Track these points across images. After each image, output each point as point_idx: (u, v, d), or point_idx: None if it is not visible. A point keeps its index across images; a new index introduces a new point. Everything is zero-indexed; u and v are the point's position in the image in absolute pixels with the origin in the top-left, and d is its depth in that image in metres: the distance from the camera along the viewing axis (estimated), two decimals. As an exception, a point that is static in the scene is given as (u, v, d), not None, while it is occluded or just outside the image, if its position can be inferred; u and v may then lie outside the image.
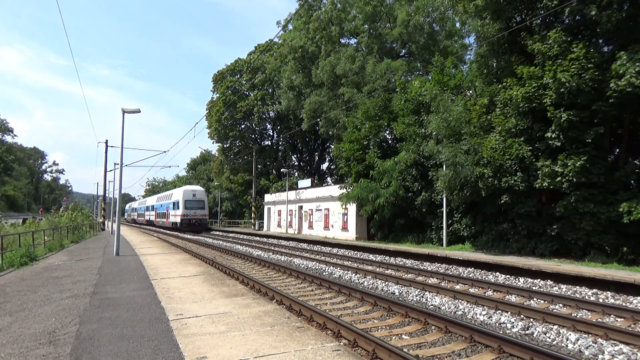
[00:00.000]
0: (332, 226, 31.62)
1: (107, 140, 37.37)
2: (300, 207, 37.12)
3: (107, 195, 43.77)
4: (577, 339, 6.24)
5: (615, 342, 6.24)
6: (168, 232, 42.64)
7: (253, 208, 46.65)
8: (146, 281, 9.43)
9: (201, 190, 45.45)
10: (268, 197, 45.49)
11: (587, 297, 9.70)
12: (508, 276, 12.70)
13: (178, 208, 42.61)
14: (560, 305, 8.83)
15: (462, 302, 8.86)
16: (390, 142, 27.55)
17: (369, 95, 29.42)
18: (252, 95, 51.85)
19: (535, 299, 9.42)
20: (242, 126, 54.86)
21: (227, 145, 56.02)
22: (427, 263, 16.17)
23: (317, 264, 15.60)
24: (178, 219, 42.35)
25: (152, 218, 54.17)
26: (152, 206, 55.28)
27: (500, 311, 8.08)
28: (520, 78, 15.66)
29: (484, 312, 7.91)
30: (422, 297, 9.49)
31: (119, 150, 17.37)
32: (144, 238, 29.25)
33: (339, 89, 34.52)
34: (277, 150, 56.42)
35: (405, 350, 5.56)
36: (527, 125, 15.92)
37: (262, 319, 5.81)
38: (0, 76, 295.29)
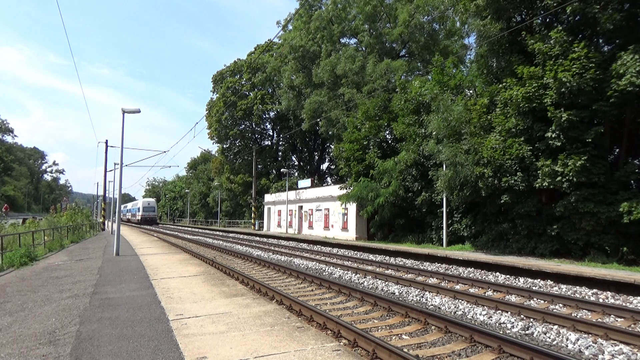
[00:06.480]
0: (332, 226, 31.60)
1: (107, 140, 37.60)
2: (300, 207, 37.11)
3: (107, 195, 43.93)
4: (577, 339, 6.23)
5: (615, 342, 6.23)
6: (168, 232, 43.91)
7: (253, 208, 46.67)
8: (146, 281, 9.43)
9: (153, 201, 75.82)
10: (268, 197, 45.50)
11: (587, 297, 9.69)
12: (508, 276, 12.70)
13: (139, 211, 70.40)
14: (560, 305, 8.83)
15: (462, 302, 8.85)
16: (390, 142, 27.54)
17: (369, 95, 29.42)
18: (251, 95, 51.84)
19: (535, 299, 9.41)
20: (242, 126, 54.83)
21: (227, 145, 56.04)
22: (427, 263, 16.17)
23: (317, 264, 15.59)
24: (139, 217, 69.35)
25: (130, 217, 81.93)
26: (130, 209, 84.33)
27: (500, 311, 8.07)
28: (521, 78, 15.64)
29: (484, 312, 7.91)
30: (422, 297, 9.48)
31: (119, 150, 17.51)
32: (144, 238, 29.26)
33: (339, 89, 34.51)
34: (277, 150, 56.37)
35: (405, 350, 5.55)
36: (527, 125, 15.90)
37: (262, 319, 5.81)
38: (0, 76, 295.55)
